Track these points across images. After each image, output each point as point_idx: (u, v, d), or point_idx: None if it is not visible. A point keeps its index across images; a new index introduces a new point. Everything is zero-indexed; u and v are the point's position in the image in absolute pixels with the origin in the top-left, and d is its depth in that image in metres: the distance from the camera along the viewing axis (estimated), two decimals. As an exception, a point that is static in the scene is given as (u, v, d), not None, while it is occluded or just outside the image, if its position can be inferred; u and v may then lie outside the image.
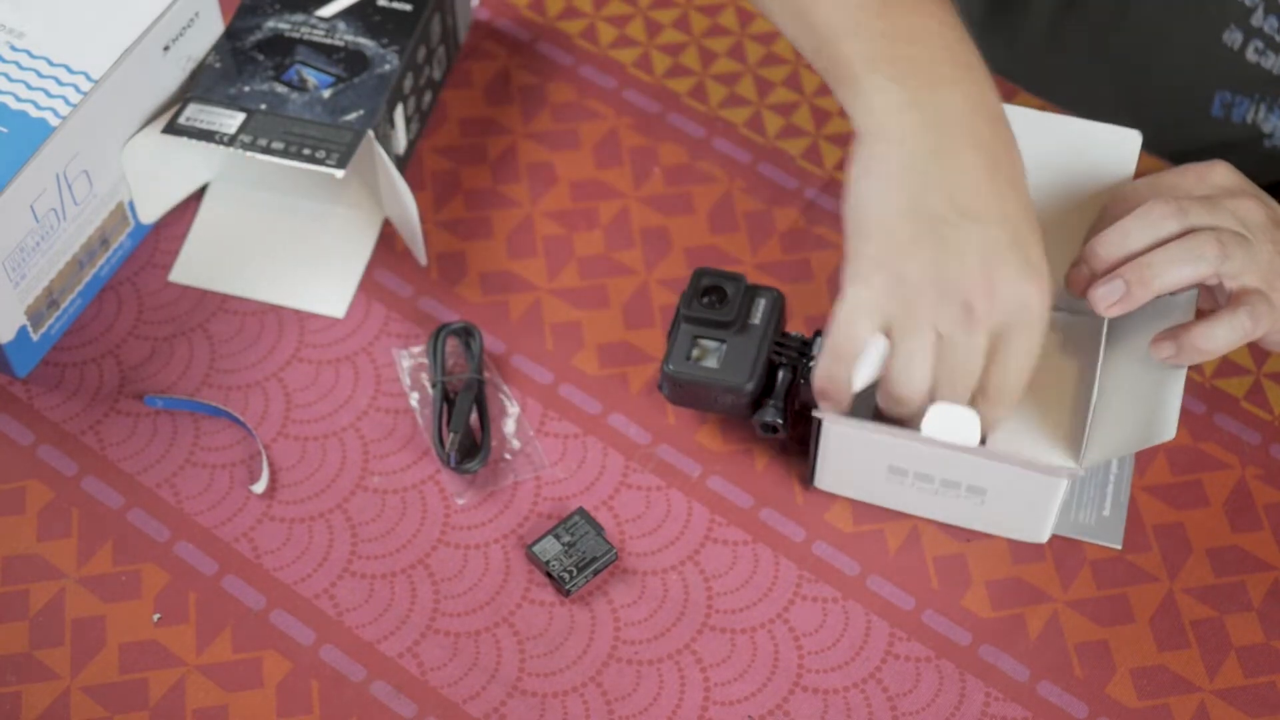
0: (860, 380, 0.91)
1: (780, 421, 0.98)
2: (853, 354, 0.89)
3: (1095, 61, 1.18)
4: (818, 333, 0.99)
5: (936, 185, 0.86)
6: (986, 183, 0.87)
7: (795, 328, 1.05)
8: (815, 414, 0.94)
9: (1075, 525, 0.99)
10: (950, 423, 0.90)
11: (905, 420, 0.91)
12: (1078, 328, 0.97)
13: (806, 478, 1.00)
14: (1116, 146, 0.99)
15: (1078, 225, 0.97)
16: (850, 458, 0.97)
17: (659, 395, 1.04)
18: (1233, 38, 1.09)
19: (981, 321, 0.86)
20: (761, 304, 1.00)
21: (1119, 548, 0.98)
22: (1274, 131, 1.12)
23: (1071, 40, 1.09)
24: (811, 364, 0.97)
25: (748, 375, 0.98)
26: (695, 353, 0.99)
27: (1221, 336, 0.89)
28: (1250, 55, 1.09)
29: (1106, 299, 0.90)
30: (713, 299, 1.00)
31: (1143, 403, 0.92)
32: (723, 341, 0.99)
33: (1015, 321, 0.87)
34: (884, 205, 0.87)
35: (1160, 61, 1.08)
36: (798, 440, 1.01)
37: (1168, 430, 0.89)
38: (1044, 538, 0.97)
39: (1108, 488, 1.00)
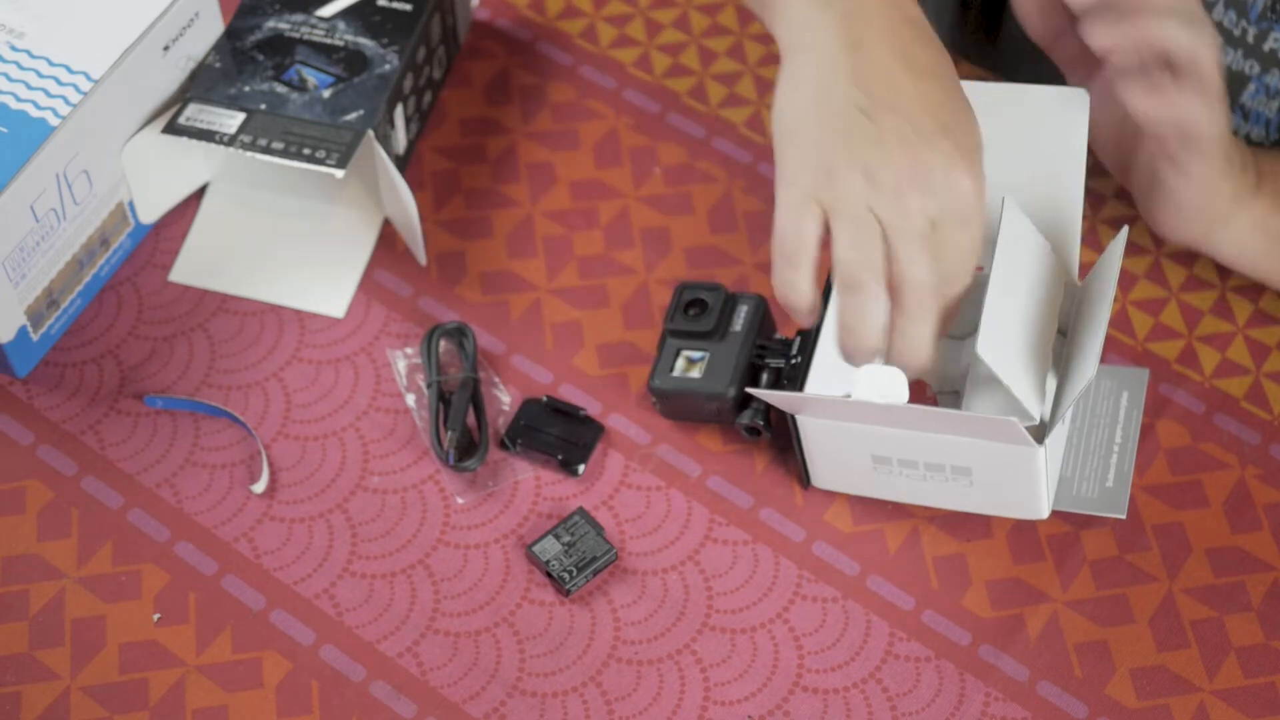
0: (860, 391, 0.91)
1: (761, 423, 0.99)
2: (802, 255, 0.87)
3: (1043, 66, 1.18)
4: (800, 333, 0.99)
5: (850, 78, 0.86)
6: (902, 72, 0.87)
7: (794, 328, 1.05)
8: (750, 390, 0.95)
9: (1078, 499, 0.98)
10: (879, 384, 0.91)
11: (853, 352, 0.90)
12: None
13: (802, 478, 1.00)
14: (1065, 107, 0.97)
15: (1035, 191, 0.96)
16: (833, 451, 0.97)
17: (659, 395, 1.04)
18: None
19: (916, 209, 0.85)
20: (743, 311, 1.01)
21: (1123, 517, 0.98)
22: (1236, 130, 1.12)
23: (1026, 50, 1.08)
24: (795, 362, 0.98)
25: (728, 381, 0.99)
26: (680, 365, 1.01)
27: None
28: None
29: None
30: (695, 311, 1.01)
31: (1073, 357, 0.93)
32: (705, 351, 1.00)
33: (950, 213, 0.86)
34: (804, 107, 0.87)
35: None
36: (776, 445, 1.02)
37: (1091, 371, 0.89)
38: (1043, 513, 0.96)
39: (1111, 458, 1.00)
